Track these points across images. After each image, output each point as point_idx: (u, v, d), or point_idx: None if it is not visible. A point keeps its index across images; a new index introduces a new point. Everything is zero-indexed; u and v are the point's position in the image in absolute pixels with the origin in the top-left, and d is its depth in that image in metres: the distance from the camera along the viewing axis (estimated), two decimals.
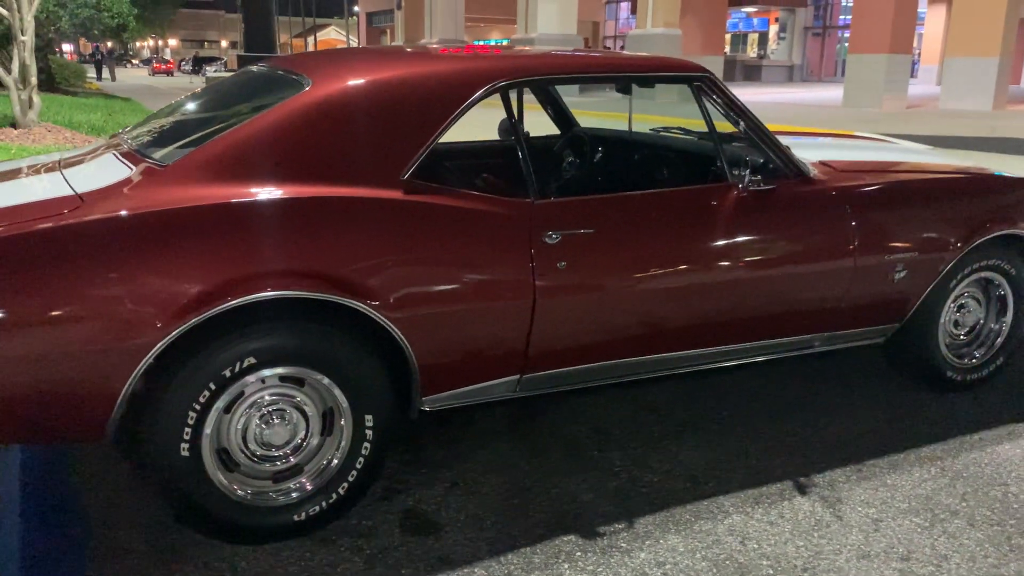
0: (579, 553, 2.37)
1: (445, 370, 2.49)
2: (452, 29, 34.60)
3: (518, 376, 2.62)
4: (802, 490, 2.73)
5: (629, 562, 2.33)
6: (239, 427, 2.28)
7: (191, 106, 2.91)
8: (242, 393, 2.25)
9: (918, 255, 3.12)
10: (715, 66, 24.45)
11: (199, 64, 50.49)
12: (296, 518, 2.35)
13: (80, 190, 2.26)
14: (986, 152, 11.72)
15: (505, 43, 37.30)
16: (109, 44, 51.53)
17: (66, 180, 2.38)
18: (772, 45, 38.82)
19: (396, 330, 2.32)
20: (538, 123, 4.14)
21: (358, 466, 2.40)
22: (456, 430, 3.09)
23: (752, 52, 39.55)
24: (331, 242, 2.25)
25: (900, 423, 3.22)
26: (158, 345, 2.06)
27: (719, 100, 2.89)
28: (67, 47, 54.87)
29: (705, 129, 3.05)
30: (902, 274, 3.12)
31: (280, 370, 2.27)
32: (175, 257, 2.10)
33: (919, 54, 31.98)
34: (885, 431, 3.15)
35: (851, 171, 3.18)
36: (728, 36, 38.87)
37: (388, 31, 45.91)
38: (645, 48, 24.55)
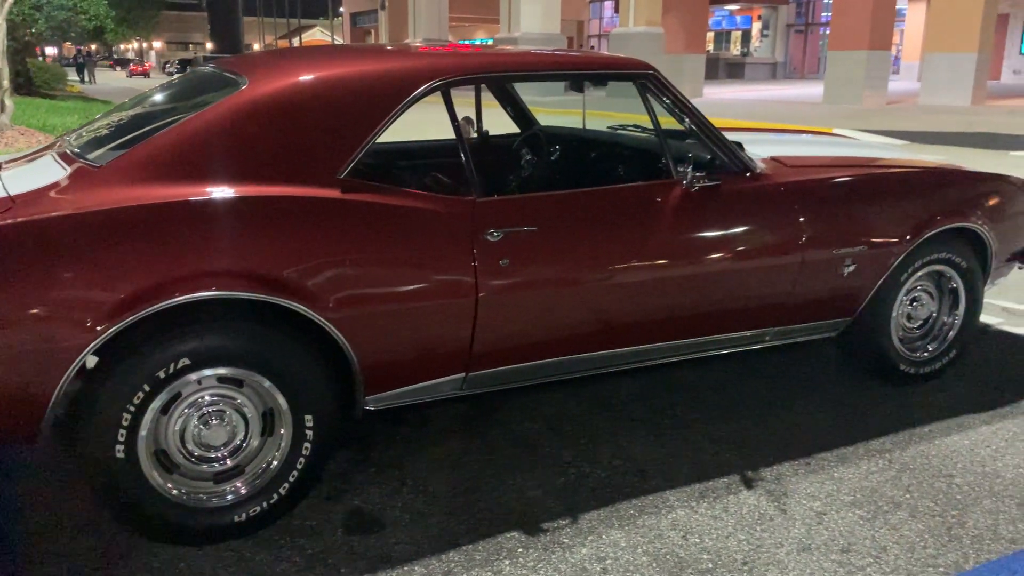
0: (520, 550, 2.37)
1: (388, 369, 2.49)
2: (436, 29, 34.56)
3: (463, 374, 2.63)
4: (749, 484, 2.74)
5: (570, 558, 2.34)
6: (177, 428, 2.28)
7: (134, 107, 2.90)
8: (179, 394, 2.25)
9: (867, 249, 3.14)
10: (697, 64, 24.53)
11: (185, 66, 50.35)
12: (236, 519, 2.34)
13: (13, 192, 2.25)
14: (962, 147, 11.81)
15: (489, 42, 37.29)
16: (93, 47, 51.25)
17: (2, 182, 2.37)
18: (755, 43, 38.93)
19: (335, 330, 2.32)
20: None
21: (299, 467, 2.40)
22: (408, 429, 3.09)
23: (735, 50, 39.66)
24: (265, 242, 2.24)
25: (852, 416, 3.24)
26: (89, 347, 2.05)
27: (664, 97, 2.90)
28: (50, 50, 54.55)
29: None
30: (851, 268, 3.13)
31: (217, 371, 2.26)
32: (106, 258, 2.09)
33: (900, 50, 32.14)
34: (837, 424, 3.17)
35: (800, 166, 3.20)
36: (711, 34, 38.97)
37: (373, 31, 45.83)
38: (629, 47, 24.59)
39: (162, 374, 2.16)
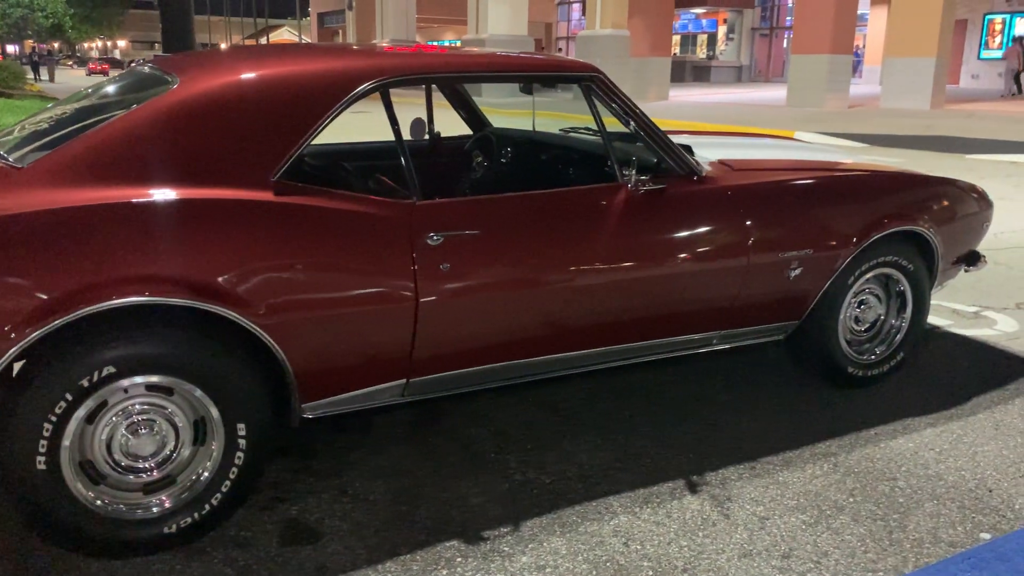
0: (460, 559, 2.33)
1: (325, 376, 2.44)
2: (403, 30, 34.41)
3: (404, 380, 2.58)
4: (693, 489, 2.72)
5: (509, 566, 2.30)
6: (103, 438, 2.21)
7: (65, 107, 2.82)
8: (105, 402, 2.18)
9: (813, 252, 3.14)
10: (663, 67, 24.66)
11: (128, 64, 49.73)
12: (167, 530, 2.28)
13: None
14: (921, 150, 11.97)
15: (457, 44, 37.19)
16: (56, 44, 50.34)
17: None
18: (721, 46, 39.22)
19: (267, 336, 2.27)
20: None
21: (232, 476, 2.34)
22: (353, 436, 3.03)
23: (702, 53, 39.93)
24: (192, 246, 2.18)
25: (800, 420, 3.24)
26: (6, 355, 1.98)
27: (610, 100, 2.88)
28: (12, 48, 53.59)
29: (613, 129, 3.04)
30: (797, 271, 3.13)
31: (146, 379, 2.20)
32: (25, 262, 2.02)
33: (863, 55, 32.55)
34: (784, 428, 3.16)
35: (747, 170, 3.19)
36: (678, 37, 39.22)
37: (340, 31, 45.52)
38: (595, 49, 24.67)
39: (86, 382, 2.10)
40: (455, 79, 2.65)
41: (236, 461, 2.33)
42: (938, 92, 18.68)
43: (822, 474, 2.83)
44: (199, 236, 2.19)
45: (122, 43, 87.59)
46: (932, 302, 4.67)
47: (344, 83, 2.45)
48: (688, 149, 3.44)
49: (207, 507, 2.32)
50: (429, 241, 2.46)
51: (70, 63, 71.94)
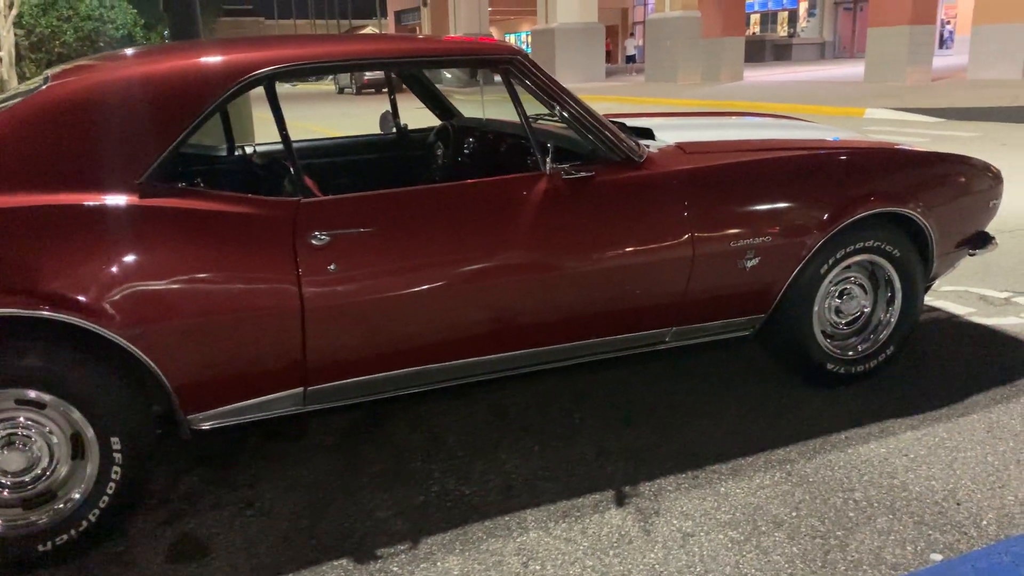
0: None
1: (209, 387, 2.33)
2: (476, 23, 34.46)
3: (302, 389, 2.46)
4: (621, 501, 2.51)
5: None
6: None
7: None
8: None
9: (771, 240, 2.87)
10: (737, 47, 23.91)
11: None
12: (41, 548, 2.21)
13: None
14: (1006, 123, 11.20)
15: (526, 35, 36.90)
16: None
17: None
18: (802, 23, 37.79)
19: (135, 348, 2.17)
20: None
21: (109, 492, 2.25)
22: (280, 444, 2.93)
23: (783, 31, 38.56)
24: (52, 255, 2.10)
25: (764, 422, 2.97)
26: None
27: (532, 84, 2.68)
28: None
29: (546, 114, 2.85)
30: (754, 261, 2.87)
31: (15, 392, 2.13)
32: None
33: (955, 24, 30.84)
34: (743, 432, 2.91)
35: (700, 152, 2.94)
36: (757, 16, 38.07)
37: (417, 28, 45.91)
38: (665, 32, 24.10)
39: None
40: (352, 67, 2.49)
41: (113, 476, 2.25)
42: None
43: (770, 484, 2.58)
44: (57, 244, 2.11)
45: None
46: (960, 288, 4.32)
47: (220, 79, 2.32)
48: (647, 133, 3.22)
49: (84, 524, 2.25)
50: (314, 241, 2.32)
51: None
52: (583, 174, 2.64)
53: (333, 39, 2.66)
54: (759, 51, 33.60)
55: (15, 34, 9.87)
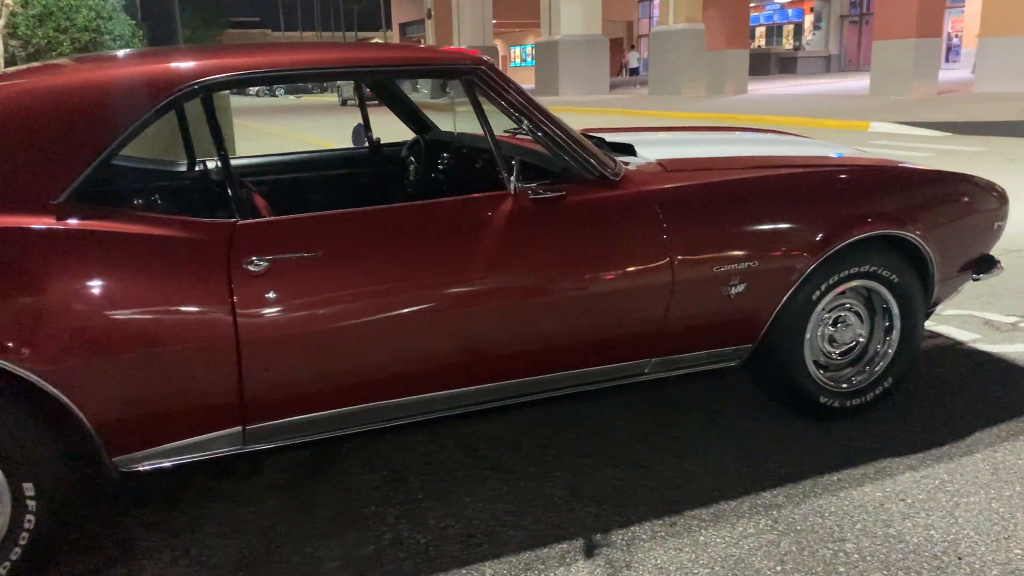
0: None
1: (135, 426, 2.13)
2: (480, 35, 34.37)
3: (240, 428, 2.25)
4: (590, 552, 2.30)
5: None
6: None
7: None
8: None
9: (757, 265, 2.66)
10: (741, 60, 23.76)
11: None
12: None
13: None
14: (1011, 137, 10.99)
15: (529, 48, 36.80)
16: None
17: None
18: (807, 36, 37.60)
19: (47, 385, 1.97)
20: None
21: (22, 542, 2.05)
22: (229, 483, 2.72)
23: (788, 44, 38.38)
24: None
25: (752, 462, 2.75)
26: None
27: (496, 96, 2.48)
28: None
29: (522, 130, 2.65)
30: (740, 288, 2.66)
31: None
32: None
33: (961, 37, 30.62)
34: (727, 472, 2.69)
35: (681, 171, 2.74)
36: (762, 29, 37.91)
37: (421, 40, 45.90)
38: (668, 45, 23.95)
39: None
40: (301, 76, 2.31)
41: (26, 524, 2.05)
42: None
43: (755, 532, 2.36)
44: None
45: None
46: (963, 312, 4.10)
47: (149, 90, 2.13)
48: (628, 149, 3.02)
49: None
50: (250, 267, 2.12)
51: None
52: (552, 194, 2.44)
53: (283, 47, 2.47)
54: (764, 64, 33.41)
55: (11, 45, 9.68)
